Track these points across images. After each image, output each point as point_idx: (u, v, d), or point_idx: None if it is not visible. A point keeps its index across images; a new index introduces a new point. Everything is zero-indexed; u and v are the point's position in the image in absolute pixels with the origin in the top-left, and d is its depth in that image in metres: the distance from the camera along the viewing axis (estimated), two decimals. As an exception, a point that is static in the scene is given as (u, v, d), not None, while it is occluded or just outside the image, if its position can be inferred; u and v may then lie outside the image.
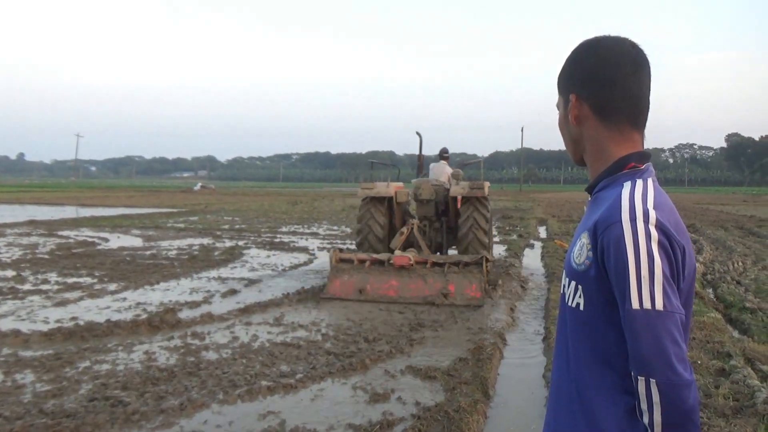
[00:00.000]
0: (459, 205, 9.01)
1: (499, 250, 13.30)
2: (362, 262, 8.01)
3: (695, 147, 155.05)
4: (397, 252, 8.25)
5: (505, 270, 10.05)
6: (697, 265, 3.65)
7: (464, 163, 12.24)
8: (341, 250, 8.93)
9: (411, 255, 8.02)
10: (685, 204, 35.52)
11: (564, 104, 1.36)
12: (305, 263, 11.29)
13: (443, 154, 10.33)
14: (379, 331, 6.35)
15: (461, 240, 8.87)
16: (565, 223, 21.06)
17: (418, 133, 10.78)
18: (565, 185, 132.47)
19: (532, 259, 12.35)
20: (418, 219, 9.20)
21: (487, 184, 9.16)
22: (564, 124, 1.38)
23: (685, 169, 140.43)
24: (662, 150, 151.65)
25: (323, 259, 11.36)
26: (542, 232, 18.96)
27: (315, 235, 16.51)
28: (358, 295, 7.72)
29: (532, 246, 14.73)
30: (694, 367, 4.76)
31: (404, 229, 8.81)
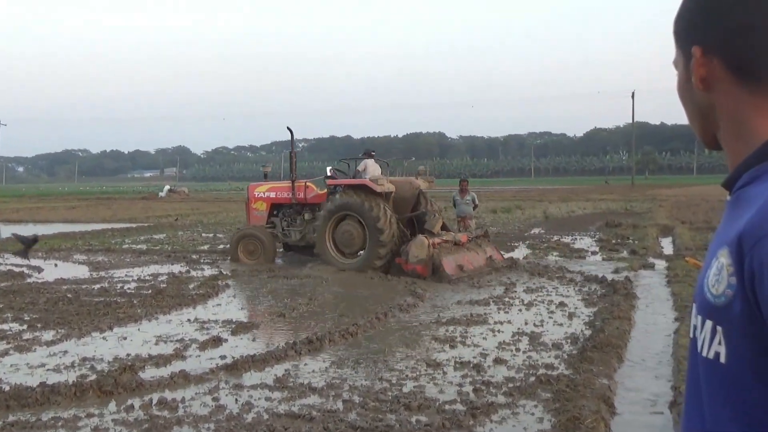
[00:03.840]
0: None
1: (603, 271, 13.22)
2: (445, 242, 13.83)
3: None
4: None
5: (612, 305, 9.99)
6: None
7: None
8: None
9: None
10: None
11: (684, 61, 1.34)
12: (319, 299, 11.35)
13: (372, 152, 16.04)
14: (426, 394, 6.34)
15: (435, 224, 14.83)
16: (701, 232, 20.72)
17: (289, 129, 15.59)
18: (700, 176, 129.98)
19: (651, 287, 12.20)
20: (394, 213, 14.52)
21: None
22: (685, 90, 1.35)
23: None
24: None
25: (351, 292, 11.41)
26: (667, 246, 18.66)
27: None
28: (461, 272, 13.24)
29: (651, 267, 14.60)
30: None
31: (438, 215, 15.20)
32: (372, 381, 6.81)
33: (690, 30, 1.31)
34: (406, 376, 6.99)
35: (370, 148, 16.39)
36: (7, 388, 6.55)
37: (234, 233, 17.01)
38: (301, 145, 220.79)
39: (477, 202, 17.21)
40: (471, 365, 7.31)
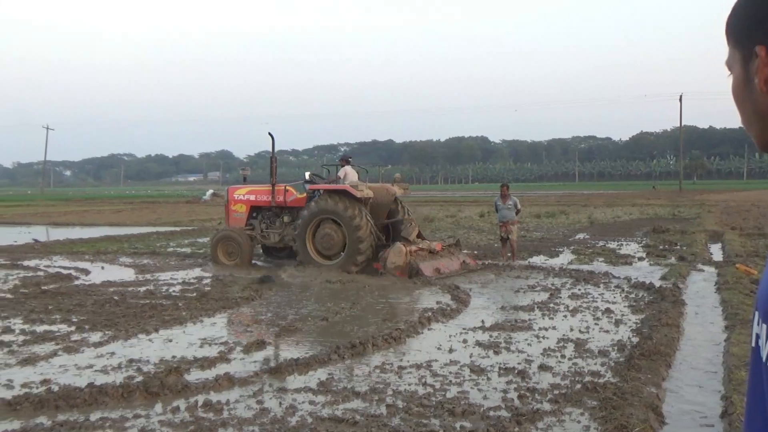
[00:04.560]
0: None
1: (650, 278, 13.10)
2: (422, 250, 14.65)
3: None
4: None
5: (659, 312, 9.85)
6: None
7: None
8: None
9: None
10: None
11: (742, 61, 1.31)
12: (362, 303, 11.39)
13: (349, 158, 17.08)
14: (470, 399, 6.33)
15: (411, 232, 15.67)
16: (752, 239, 20.32)
17: (270, 134, 16.19)
18: (750, 180, 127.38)
19: (700, 294, 12.00)
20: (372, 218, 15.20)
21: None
22: (743, 92, 1.32)
23: None
24: None
25: (395, 297, 11.42)
26: (716, 252, 18.32)
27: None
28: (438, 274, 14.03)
29: (701, 272, 14.39)
30: None
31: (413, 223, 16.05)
32: (416, 386, 6.80)
33: (753, 29, 1.27)
34: (450, 381, 6.97)
35: (347, 154, 17.80)
36: (56, 388, 6.70)
37: (213, 235, 17.52)
38: (343, 149, 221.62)
39: (519, 206, 17.08)
40: (515, 371, 7.26)
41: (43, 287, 13.04)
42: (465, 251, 16.47)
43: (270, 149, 16.61)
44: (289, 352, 8.23)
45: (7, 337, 9.00)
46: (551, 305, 10.92)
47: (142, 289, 12.89)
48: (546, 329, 9.29)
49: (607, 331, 9.16)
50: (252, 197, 16.86)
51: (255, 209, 16.88)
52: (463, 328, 9.42)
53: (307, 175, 16.71)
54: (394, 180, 16.68)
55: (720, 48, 1.38)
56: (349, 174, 16.25)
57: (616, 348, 8.19)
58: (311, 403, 6.32)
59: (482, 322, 9.74)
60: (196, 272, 15.31)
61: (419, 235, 15.97)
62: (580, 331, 9.12)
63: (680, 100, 76.96)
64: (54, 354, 8.15)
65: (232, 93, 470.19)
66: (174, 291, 12.67)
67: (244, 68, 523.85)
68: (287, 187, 16.65)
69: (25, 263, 17.04)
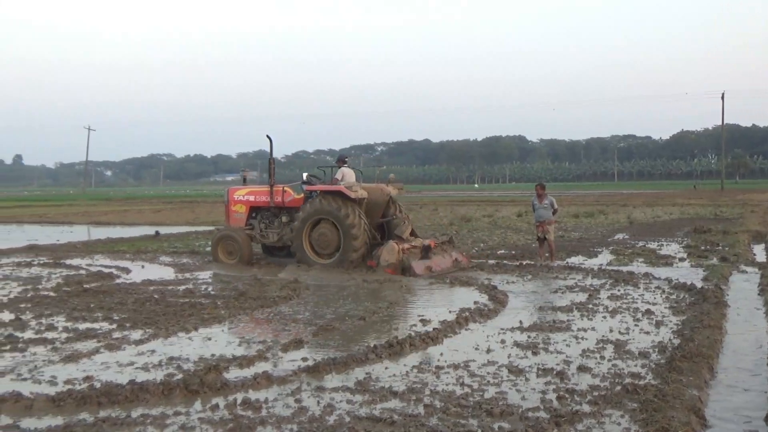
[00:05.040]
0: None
1: (691, 279, 12.98)
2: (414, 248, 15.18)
3: None
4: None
5: (701, 314, 9.70)
6: None
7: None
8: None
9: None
10: None
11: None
12: (400, 303, 11.40)
13: (346, 159, 17.49)
14: (508, 399, 6.31)
15: (405, 230, 16.01)
16: (797, 239, 19.86)
17: (268, 137, 16.99)
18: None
19: (742, 296, 11.83)
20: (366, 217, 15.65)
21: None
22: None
23: None
24: None
25: (432, 297, 11.42)
26: (759, 253, 18.02)
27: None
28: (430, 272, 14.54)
29: (743, 273, 14.20)
30: None
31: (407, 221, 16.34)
32: (453, 386, 6.80)
33: None
34: (488, 381, 6.95)
35: (344, 154, 17.99)
36: (98, 385, 6.84)
37: (214, 234, 17.96)
38: (379, 149, 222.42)
39: (556, 206, 16.96)
40: (554, 372, 7.21)
41: (85, 286, 13.27)
42: (457, 249, 16.62)
43: (269, 151, 17.22)
44: (327, 351, 8.26)
45: (50, 335, 9.19)
46: (590, 306, 10.82)
47: (182, 287, 13.07)
48: (585, 330, 9.21)
49: (647, 333, 9.05)
50: (251, 198, 17.42)
51: (254, 209, 17.40)
52: (501, 329, 9.37)
53: (304, 176, 17.21)
54: (389, 180, 16.98)
55: (763, 45, 1.35)
56: (347, 175, 16.69)
57: (656, 350, 8.09)
58: (349, 402, 6.34)
59: (520, 322, 9.69)
60: (234, 271, 15.45)
61: (412, 233, 16.40)
62: (619, 333, 9.02)
63: (722, 98, 75.87)
64: (96, 351, 8.30)
65: (270, 92, 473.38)
66: (212, 290, 12.83)
67: (279, 67, 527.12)
68: (285, 188, 17.06)
69: (68, 262, 17.38)
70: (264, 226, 17.15)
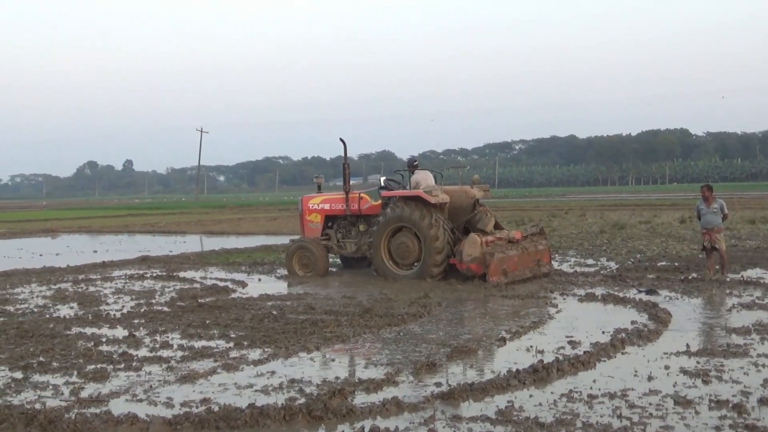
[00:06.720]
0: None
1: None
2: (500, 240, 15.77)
3: None
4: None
5: None
6: None
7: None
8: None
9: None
10: None
11: None
12: (544, 321, 11.25)
13: (416, 163, 17.46)
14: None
15: (487, 223, 16.20)
16: None
17: (342, 140, 17.48)
18: None
19: None
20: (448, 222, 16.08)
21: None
22: None
23: None
24: None
25: (581, 315, 11.25)
26: None
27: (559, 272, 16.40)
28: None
29: None
30: None
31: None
32: (609, 418, 6.63)
33: None
34: (650, 414, 6.74)
35: (413, 158, 17.84)
36: (216, 408, 7.09)
37: (289, 246, 18.30)
38: (518, 147, 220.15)
39: (726, 211, 16.21)
40: (730, 405, 6.91)
41: (199, 300, 13.85)
42: (548, 244, 17.05)
43: (343, 155, 17.59)
44: (463, 375, 8.26)
45: (165, 353, 9.63)
46: (772, 327, 10.31)
47: (301, 303, 13.38)
48: (766, 356, 8.78)
49: (844, 360, 8.54)
50: (326, 206, 17.87)
51: (330, 218, 17.79)
52: (664, 353, 9.08)
53: (381, 180, 17.50)
54: (473, 182, 17.02)
55: None
56: (422, 180, 16.61)
57: None
58: (489, 434, 6.31)
59: (687, 345, 9.35)
60: (357, 284, 15.69)
61: (497, 226, 16.57)
62: (809, 359, 8.55)
63: None
64: (213, 371, 8.62)
65: (394, 90, 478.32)
66: (334, 306, 13.05)
67: (403, 60, 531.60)
68: (361, 195, 17.30)
69: (181, 274, 18.19)
70: (341, 236, 17.57)
